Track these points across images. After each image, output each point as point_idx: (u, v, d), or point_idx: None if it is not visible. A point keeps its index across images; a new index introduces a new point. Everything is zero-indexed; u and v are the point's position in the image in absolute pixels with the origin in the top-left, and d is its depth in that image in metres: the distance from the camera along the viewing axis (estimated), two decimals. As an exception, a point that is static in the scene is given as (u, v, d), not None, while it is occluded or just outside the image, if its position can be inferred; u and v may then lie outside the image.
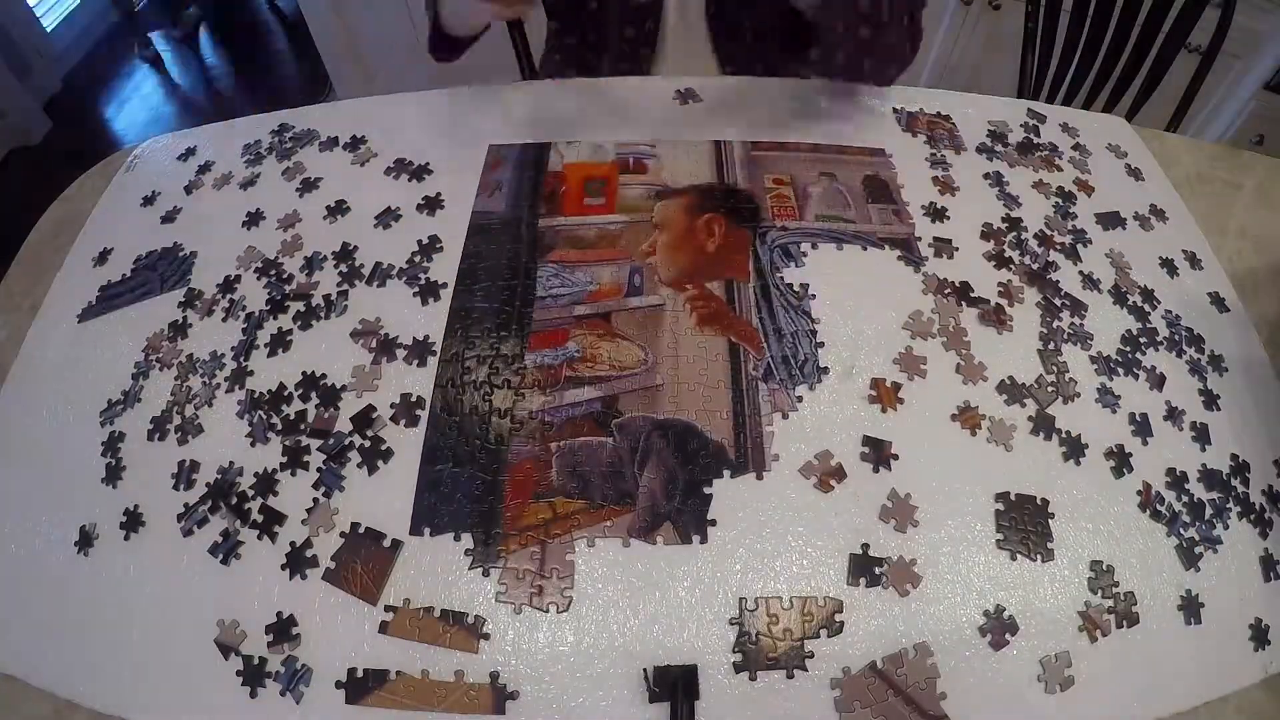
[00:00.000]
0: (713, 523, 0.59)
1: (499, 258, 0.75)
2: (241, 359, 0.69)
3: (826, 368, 0.67)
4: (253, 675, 0.54)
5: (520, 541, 0.58)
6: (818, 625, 0.55)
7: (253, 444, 0.64)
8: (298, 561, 0.58)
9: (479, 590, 0.56)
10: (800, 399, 0.65)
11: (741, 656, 0.54)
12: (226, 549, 0.59)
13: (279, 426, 0.64)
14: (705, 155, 0.85)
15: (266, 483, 0.62)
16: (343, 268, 0.75)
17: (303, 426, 0.64)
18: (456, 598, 0.56)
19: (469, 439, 0.63)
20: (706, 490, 0.60)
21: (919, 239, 0.77)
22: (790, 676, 0.54)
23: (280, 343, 0.69)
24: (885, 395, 0.65)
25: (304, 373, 0.67)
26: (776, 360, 0.67)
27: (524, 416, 0.64)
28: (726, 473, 0.61)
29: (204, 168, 0.87)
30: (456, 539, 0.58)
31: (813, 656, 0.54)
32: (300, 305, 0.72)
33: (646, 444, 0.62)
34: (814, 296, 0.72)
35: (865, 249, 0.76)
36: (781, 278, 0.73)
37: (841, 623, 0.56)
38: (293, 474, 0.62)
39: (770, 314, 0.70)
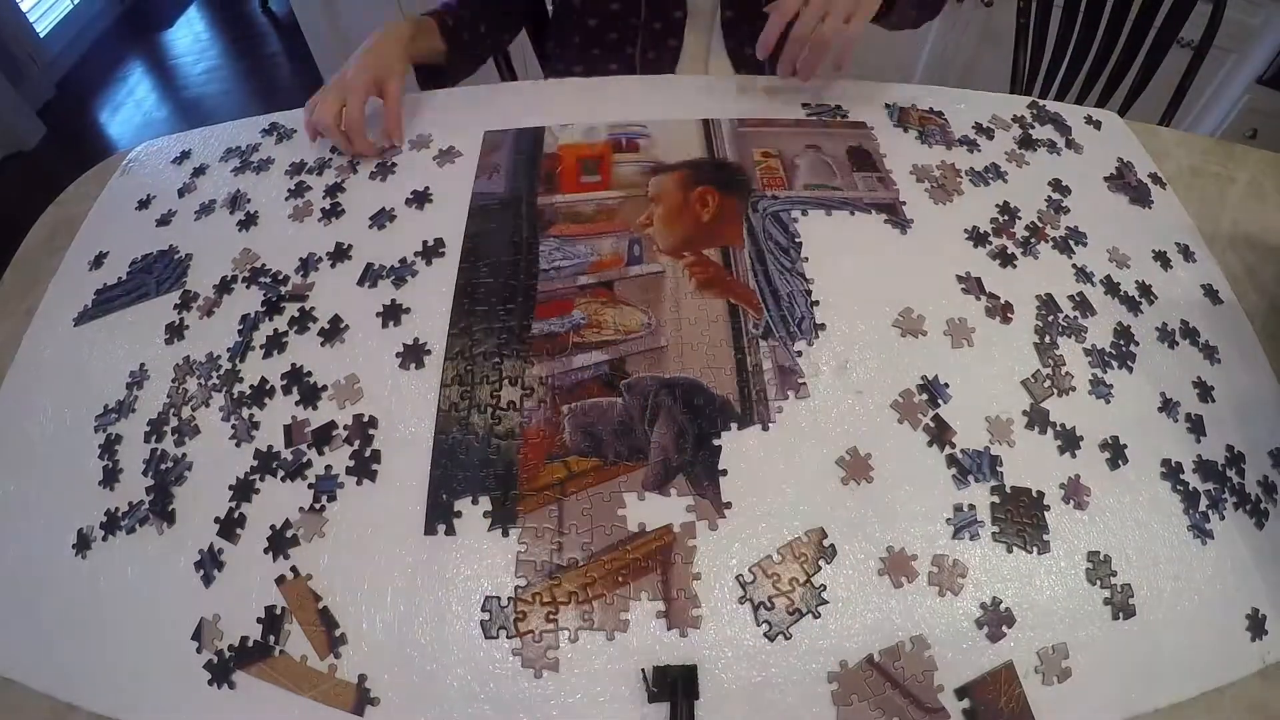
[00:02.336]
0: (724, 473, 0.61)
1: (501, 235, 0.77)
2: (237, 360, 0.69)
3: (824, 324, 0.69)
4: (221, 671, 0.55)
5: (538, 501, 0.59)
6: (815, 558, 0.57)
7: (237, 444, 0.64)
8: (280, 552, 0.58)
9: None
10: (800, 353, 0.67)
11: (768, 625, 0.55)
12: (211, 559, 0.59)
13: (257, 424, 0.65)
14: (695, 133, 0.87)
15: (247, 487, 0.62)
16: (337, 268, 0.75)
17: (299, 425, 0.64)
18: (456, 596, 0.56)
19: (481, 407, 0.64)
20: (715, 442, 0.62)
21: (904, 203, 0.80)
22: (817, 617, 0.55)
23: (276, 344, 0.69)
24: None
25: (292, 364, 0.68)
26: (775, 319, 0.69)
27: (534, 383, 0.65)
28: (733, 425, 0.63)
29: (198, 171, 0.87)
30: (474, 502, 0.59)
31: (826, 589, 0.56)
32: (295, 308, 0.72)
33: (655, 401, 0.64)
34: (806, 259, 0.74)
35: (853, 214, 0.79)
36: (775, 242, 0.75)
37: (833, 545, 0.58)
38: (291, 479, 0.62)
39: (766, 276, 0.72)
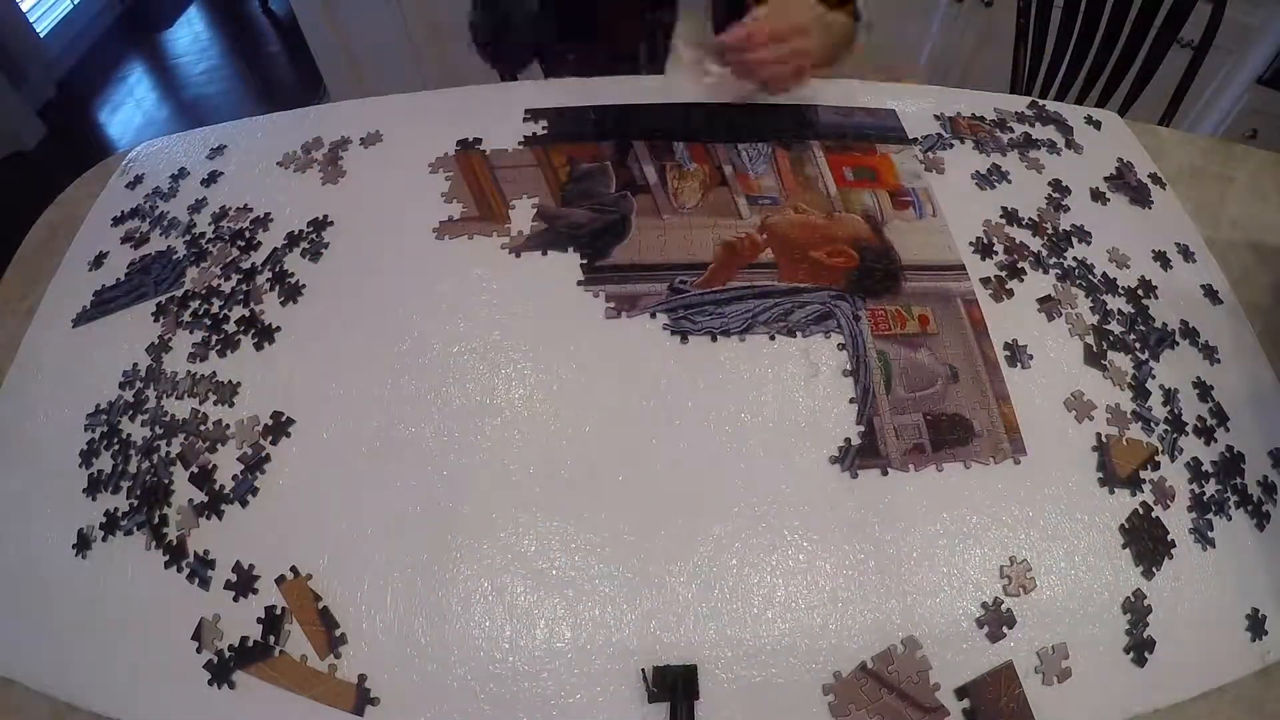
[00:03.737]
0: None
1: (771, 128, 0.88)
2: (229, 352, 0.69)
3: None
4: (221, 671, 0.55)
5: None
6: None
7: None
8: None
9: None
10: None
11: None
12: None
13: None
14: (941, 247, 0.77)
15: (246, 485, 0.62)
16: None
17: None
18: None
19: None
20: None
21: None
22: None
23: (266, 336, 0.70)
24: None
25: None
26: (675, 303, 0.71)
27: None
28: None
29: (197, 171, 0.87)
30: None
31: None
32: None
33: (609, 206, 0.79)
34: (743, 341, 0.69)
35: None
36: (787, 316, 0.70)
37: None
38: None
39: (733, 295, 0.72)
